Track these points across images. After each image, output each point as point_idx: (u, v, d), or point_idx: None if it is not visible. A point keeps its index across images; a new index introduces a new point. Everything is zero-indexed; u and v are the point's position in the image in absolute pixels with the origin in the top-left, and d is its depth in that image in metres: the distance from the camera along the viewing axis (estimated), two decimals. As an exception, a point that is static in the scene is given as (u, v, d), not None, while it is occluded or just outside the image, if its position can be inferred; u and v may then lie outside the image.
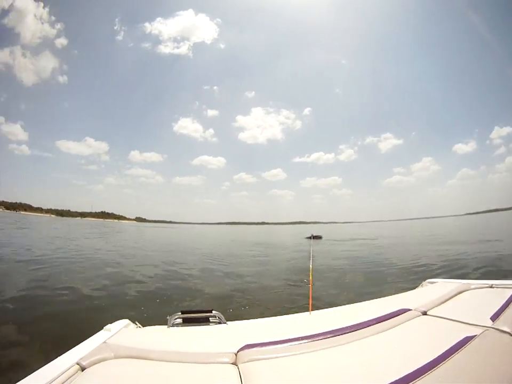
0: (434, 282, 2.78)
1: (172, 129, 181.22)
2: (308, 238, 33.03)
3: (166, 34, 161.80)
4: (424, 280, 2.89)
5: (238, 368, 1.27)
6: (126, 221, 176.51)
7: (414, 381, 1.10)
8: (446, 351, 1.28)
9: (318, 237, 33.65)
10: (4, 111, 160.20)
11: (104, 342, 1.55)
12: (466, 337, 1.39)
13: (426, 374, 1.14)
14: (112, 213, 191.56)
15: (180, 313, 2.18)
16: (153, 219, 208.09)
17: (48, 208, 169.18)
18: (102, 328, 1.78)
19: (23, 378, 1.18)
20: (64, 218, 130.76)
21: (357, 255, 15.97)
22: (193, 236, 45.85)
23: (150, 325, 2.15)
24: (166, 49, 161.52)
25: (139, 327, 2.06)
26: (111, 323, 1.87)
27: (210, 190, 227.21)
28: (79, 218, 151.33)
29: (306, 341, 1.46)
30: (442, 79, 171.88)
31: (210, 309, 2.27)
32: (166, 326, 2.07)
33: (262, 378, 1.19)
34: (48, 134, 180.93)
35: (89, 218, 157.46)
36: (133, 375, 1.28)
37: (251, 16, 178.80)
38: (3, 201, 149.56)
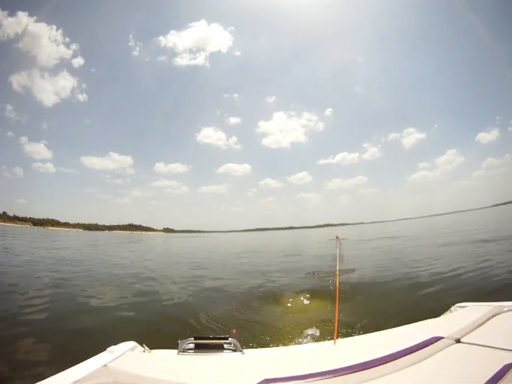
0: (464, 306, 2.57)
1: (195, 139, 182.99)
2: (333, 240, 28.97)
3: (181, 46, 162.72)
4: (453, 305, 2.67)
5: None
6: (154, 232, 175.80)
7: None
8: (486, 381, 1.20)
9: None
10: (26, 132, 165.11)
11: (105, 365, 1.47)
12: (506, 365, 1.31)
13: None
14: (139, 225, 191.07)
15: (193, 338, 2.02)
16: (181, 229, 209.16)
17: (76, 222, 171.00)
18: (104, 349, 1.70)
19: None
20: (92, 232, 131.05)
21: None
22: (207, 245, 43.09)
23: (159, 348, 2.05)
24: (182, 61, 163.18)
25: (147, 350, 1.97)
26: (115, 344, 1.81)
27: (237, 198, 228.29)
28: (107, 231, 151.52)
29: (331, 375, 1.33)
30: (460, 68, 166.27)
31: (226, 336, 2.05)
32: (177, 351, 1.92)
33: None
34: (72, 151, 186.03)
35: (117, 231, 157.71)
36: None
37: (264, 21, 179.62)
38: (30, 218, 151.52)
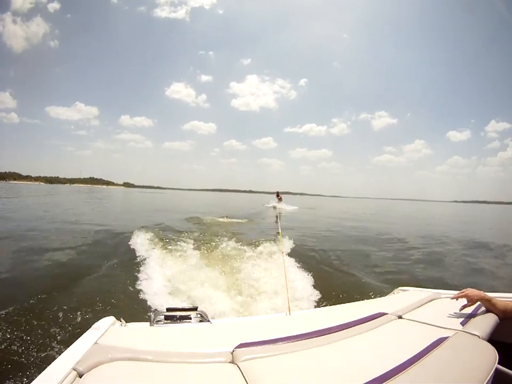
0: (406, 290, 2.93)
1: (164, 94, 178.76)
2: (272, 206, 28.04)
3: None
4: (396, 288, 3.06)
5: (238, 366, 1.30)
6: (114, 186, 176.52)
7: (391, 379, 1.18)
8: (421, 351, 1.40)
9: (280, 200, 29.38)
10: None
11: (96, 342, 1.51)
12: (440, 338, 1.54)
13: (402, 372, 1.23)
14: (100, 179, 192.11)
15: (165, 310, 2.18)
16: (141, 184, 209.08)
17: (38, 175, 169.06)
18: (89, 326, 1.76)
19: None
20: (54, 185, 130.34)
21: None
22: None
23: (132, 322, 2.14)
24: (162, 13, 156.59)
25: (123, 324, 2.05)
26: (97, 321, 1.88)
27: (199, 156, 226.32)
28: (68, 184, 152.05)
29: (291, 341, 1.53)
30: (444, 65, 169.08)
31: (195, 307, 2.30)
32: (149, 324, 2.07)
33: (263, 376, 1.23)
34: (37, 101, 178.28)
35: (79, 185, 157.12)
36: (134, 379, 1.24)
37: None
38: None
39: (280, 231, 6.78)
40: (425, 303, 2.36)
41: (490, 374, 1.25)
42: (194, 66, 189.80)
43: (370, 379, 1.18)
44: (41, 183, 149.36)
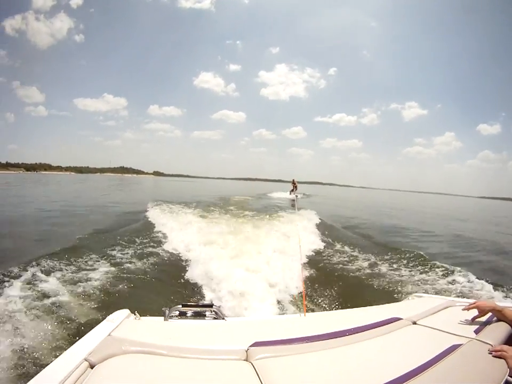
0: (421, 296, 2.92)
1: (193, 83, 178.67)
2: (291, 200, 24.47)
3: None
4: (411, 294, 3.08)
5: (252, 365, 1.30)
6: (144, 175, 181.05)
7: (405, 383, 1.19)
8: (433, 357, 1.38)
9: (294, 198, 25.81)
10: (19, 76, 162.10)
11: (109, 334, 1.51)
12: (453, 345, 1.52)
13: (413, 378, 1.23)
14: (130, 168, 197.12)
15: (181, 306, 2.17)
16: (171, 173, 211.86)
17: (68, 166, 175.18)
18: (104, 318, 1.77)
19: (32, 378, 1.14)
20: (84, 174, 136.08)
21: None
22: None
23: (146, 316, 2.14)
24: (187, 3, 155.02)
25: (137, 317, 2.02)
26: (111, 313, 1.87)
27: (229, 145, 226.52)
28: (98, 174, 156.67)
29: (306, 342, 1.53)
30: (476, 56, 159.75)
31: (211, 303, 2.29)
32: (163, 319, 2.03)
33: (277, 376, 1.23)
34: (65, 93, 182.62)
35: (109, 174, 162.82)
36: (147, 371, 1.24)
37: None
38: (23, 163, 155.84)
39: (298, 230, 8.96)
40: (440, 310, 2.30)
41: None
42: (222, 55, 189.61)
43: (383, 383, 1.18)
44: (72, 173, 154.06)
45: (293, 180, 30.34)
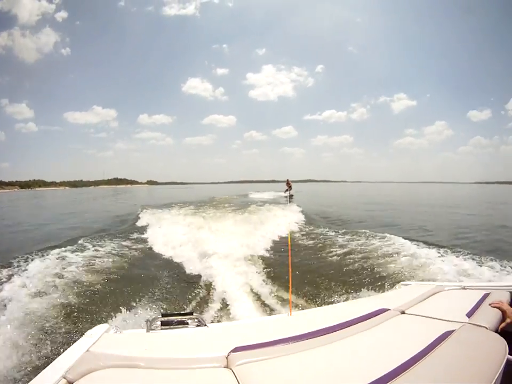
0: (408, 284, 2.90)
1: (181, 90, 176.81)
2: (285, 197, 29.45)
3: None
4: (398, 283, 3.03)
5: (232, 371, 1.25)
6: (138, 185, 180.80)
7: (399, 376, 1.13)
8: (427, 345, 1.34)
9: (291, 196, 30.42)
10: (8, 93, 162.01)
11: (88, 350, 1.47)
12: (446, 331, 1.47)
13: (409, 369, 1.18)
14: (124, 179, 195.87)
15: (161, 316, 2.14)
16: (164, 181, 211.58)
17: (62, 180, 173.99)
18: (82, 335, 1.73)
19: None
20: (79, 189, 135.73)
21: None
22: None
23: (128, 329, 2.13)
24: (171, 10, 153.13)
25: (119, 331, 2.00)
26: (90, 328, 1.84)
27: (221, 149, 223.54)
28: (92, 187, 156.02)
29: (291, 342, 1.47)
30: (462, 43, 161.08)
31: (191, 312, 2.28)
32: (145, 330, 2.02)
33: (259, 381, 1.19)
34: (54, 108, 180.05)
35: (103, 186, 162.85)
36: None
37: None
38: (17, 181, 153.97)
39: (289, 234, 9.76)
40: (429, 296, 2.30)
41: (502, 366, 1.21)
42: (209, 60, 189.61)
43: (376, 378, 1.14)
44: (66, 187, 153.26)
45: (287, 180, 32.85)
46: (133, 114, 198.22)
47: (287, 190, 31.70)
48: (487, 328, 1.58)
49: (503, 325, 1.81)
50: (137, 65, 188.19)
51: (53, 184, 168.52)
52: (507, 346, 1.33)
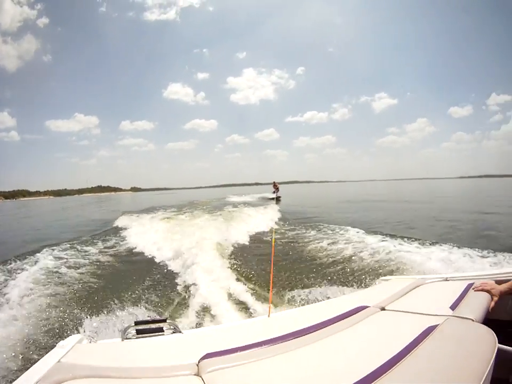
0: (388, 279, 2.84)
1: (162, 96, 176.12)
2: (270, 199, 30.08)
3: (151, 0, 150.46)
4: (378, 278, 2.99)
5: (202, 379, 1.21)
6: (122, 192, 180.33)
7: (384, 375, 1.08)
8: (411, 342, 1.28)
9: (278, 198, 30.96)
10: None
11: (59, 361, 1.43)
12: (429, 327, 1.41)
13: (395, 366, 1.13)
14: (108, 186, 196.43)
15: (134, 324, 2.09)
16: (148, 187, 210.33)
17: (46, 190, 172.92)
18: (54, 346, 1.67)
19: None
20: (63, 197, 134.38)
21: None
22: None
23: (103, 338, 2.06)
24: (152, 16, 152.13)
25: (93, 341, 1.98)
26: (63, 339, 1.77)
27: (203, 154, 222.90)
28: (77, 195, 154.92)
29: (267, 345, 1.40)
30: (441, 40, 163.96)
31: (165, 318, 2.20)
32: (120, 339, 1.96)
33: None
34: (36, 116, 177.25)
35: (87, 194, 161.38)
36: None
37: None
38: (1, 192, 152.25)
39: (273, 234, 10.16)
40: (410, 290, 2.27)
41: (492, 359, 1.14)
42: (190, 65, 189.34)
43: (360, 378, 1.08)
44: (51, 196, 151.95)
45: (274, 182, 33.25)
46: (115, 121, 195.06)
47: (274, 192, 32.19)
48: (473, 320, 1.53)
49: (492, 304, 1.83)
50: (119, 71, 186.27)
51: (37, 193, 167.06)
52: (495, 336, 1.29)
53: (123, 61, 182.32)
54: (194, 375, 1.26)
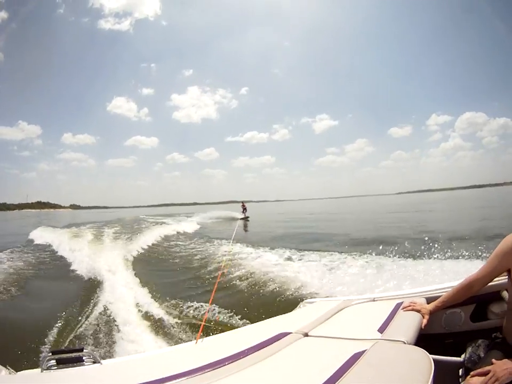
0: (313, 302, 2.77)
1: (106, 109, 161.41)
2: (241, 219, 30.43)
3: (108, 8, 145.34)
4: (302, 301, 2.91)
5: None
6: (62, 210, 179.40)
7: None
8: (336, 370, 1.20)
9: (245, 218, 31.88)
10: None
11: None
12: (356, 353, 1.34)
13: None
14: (47, 202, 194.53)
15: (51, 354, 1.92)
16: (88, 205, 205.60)
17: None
18: None
19: None
20: (2, 212, 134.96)
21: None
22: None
23: (23, 369, 1.98)
24: (106, 24, 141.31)
25: (12, 372, 1.89)
26: None
27: (143, 172, 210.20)
28: (17, 210, 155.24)
29: (193, 375, 1.29)
30: (381, 65, 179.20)
31: (81, 348, 2.03)
32: (40, 370, 1.82)
33: None
34: None
35: (28, 210, 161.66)
36: None
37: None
38: None
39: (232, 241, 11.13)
40: (335, 313, 2.20)
41: (430, 381, 1.10)
42: (136, 79, 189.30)
43: None
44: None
45: (242, 203, 34.81)
46: (58, 133, 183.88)
47: (243, 212, 33.23)
48: (404, 342, 1.49)
49: (424, 321, 1.87)
50: (66, 78, 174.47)
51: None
52: (431, 358, 1.23)
53: (71, 69, 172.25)
54: None
